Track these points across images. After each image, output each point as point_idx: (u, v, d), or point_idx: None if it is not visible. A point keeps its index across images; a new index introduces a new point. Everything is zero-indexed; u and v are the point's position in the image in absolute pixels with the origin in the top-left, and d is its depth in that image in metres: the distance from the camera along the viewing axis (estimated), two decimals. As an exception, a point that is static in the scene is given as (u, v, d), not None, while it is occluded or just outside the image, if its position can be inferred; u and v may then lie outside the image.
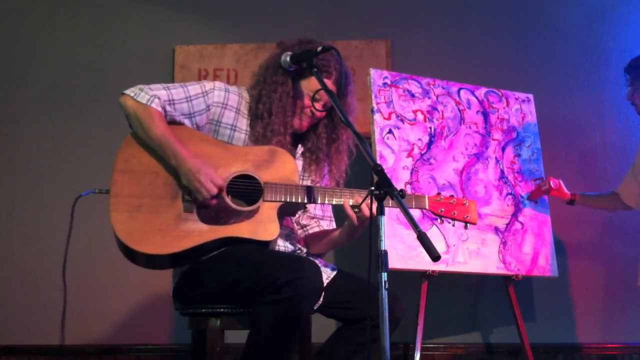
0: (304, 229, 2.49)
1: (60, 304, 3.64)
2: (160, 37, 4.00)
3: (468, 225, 2.36)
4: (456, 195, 3.25)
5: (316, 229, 2.49)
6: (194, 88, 2.28)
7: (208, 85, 2.31)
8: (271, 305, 2.04)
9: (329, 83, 2.27)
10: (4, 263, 3.81)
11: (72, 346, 3.63)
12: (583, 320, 3.68)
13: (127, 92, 2.22)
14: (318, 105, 2.33)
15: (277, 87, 2.31)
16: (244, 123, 2.33)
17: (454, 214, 2.33)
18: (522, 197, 3.38)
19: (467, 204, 2.34)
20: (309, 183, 2.41)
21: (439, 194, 2.35)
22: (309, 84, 2.31)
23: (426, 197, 2.32)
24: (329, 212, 2.55)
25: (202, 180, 2.12)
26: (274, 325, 2.05)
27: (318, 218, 2.51)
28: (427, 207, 2.32)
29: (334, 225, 2.54)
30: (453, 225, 2.39)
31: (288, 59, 2.25)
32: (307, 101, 2.33)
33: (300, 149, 2.43)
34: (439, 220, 2.36)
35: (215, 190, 2.13)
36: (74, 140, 3.90)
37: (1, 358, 3.69)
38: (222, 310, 2.21)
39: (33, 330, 3.71)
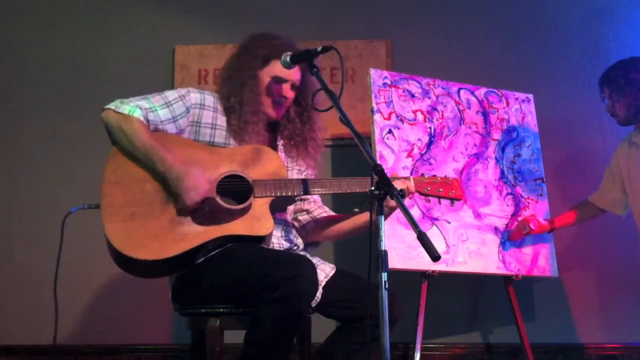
0: (310, 214, 2.52)
1: (61, 304, 3.66)
2: (160, 37, 3.99)
3: (454, 201, 2.40)
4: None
5: (324, 214, 2.52)
6: (171, 94, 2.33)
7: (183, 90, 2.36)
8: (270, 304, 2.05)
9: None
10: (4, 263, 3.81)
11: (72, 346, 3.64)
12: (583, 320, 3.68)
13: (108, 106, 2.26)
14: (286, 87, 2.37)
15: (245, 80, 2.35)
16: (223, 120, 2.36)
17: (440, 191, 2.36)
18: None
19: (449, 181, 2.37)
20: (295, 171, 2.46)
21: (422, 174, 2.38)
22: (272, 70, 2.36)
23: (411, 178, 2.35)
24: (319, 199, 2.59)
25: (186, 187, 2.14)
26: (273, 324, 2.06)
27: (311, 202, 2.55)
28: (413, 189, 2.34)
29: (325, 207, 2.57)
30: (439, 203, 2.42)
31: (288, 59, 2.26)
32: (275, 87, 2.37)
33: (280, 140, 2.47)
34: (426, 199, 2.39)
35: (197, 200, 2.15)
36: (74, 141, 3.90)
37: (1, 358, 3.69)
38: (221, 310, 2.22)
39: (33, 330, 3.70)
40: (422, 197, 2.41)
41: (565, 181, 3.76)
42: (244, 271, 2.13)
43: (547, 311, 3.69)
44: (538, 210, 3.43)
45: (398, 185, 2.23)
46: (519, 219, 3.33)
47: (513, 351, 3.58)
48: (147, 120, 2.25)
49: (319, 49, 2.21)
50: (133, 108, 2.22)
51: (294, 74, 2.37)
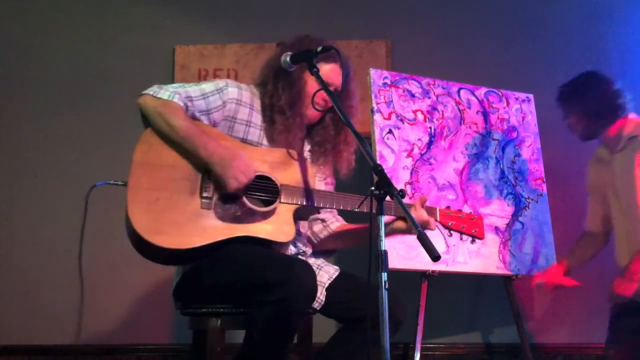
0: (324, 223, 2.51)
1: (60, 304, 3.66)
2: (160, 37, 3.99)
3: (475, 240, 2.42)
4: (456, 196, 3.27)
5: (337, 224, 2.51)
6: (208, 86, 2.29)
7: (221, 82, 2.32)
8: (263, 305, 2.05)
9: (335, 69, 2.32)
10: (4, 263, 3.81)
11: (72, 346, 3.63)
12: (583, 320, 3.68)
13: (146, 91, 2.22)
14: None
15: (293, 82, 2.32)
16: (258, 119, 2.33)
17: (463, 227, 2.40)
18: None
19: (474, 219, 2.42)
20: (318, 176, 2.42)
21: (448, 207, 2.41)
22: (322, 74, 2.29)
23: (437, 209, 2.37)
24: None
25: (236, 168, 2.12)
26: (266, 326, 2.06)
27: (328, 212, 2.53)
28: (438, 219, 2.37)
29: (339, 217, 2.55)
30: (461, 239, 2.44)
31: (288, 59, 2.25)
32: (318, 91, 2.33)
33: (307, 145, 2.44)
34: (448, 232, 2.41)
35: (244, 182, 2.13)
36: (73, 141, 3.90)
37: (1, 358, 3.69)
38: (222, 310, 2.21)
39: (33, 331, 3.70)
40: (444, 228, 2.44)
41: (565, 181, 3.76)
42: (239, 272, 2.13)
43: (547, 311, 3.68)
44: (538, 210, 3.43)
45: (423, 214, 2.26)
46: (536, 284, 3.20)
47: (513, 351, 3.57)
48: (186, 107, 2.22)
49: (319, 49, 2.20)
50: (172, 94, 2.20)
51: (337, 78, 2.34)
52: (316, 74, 2.17)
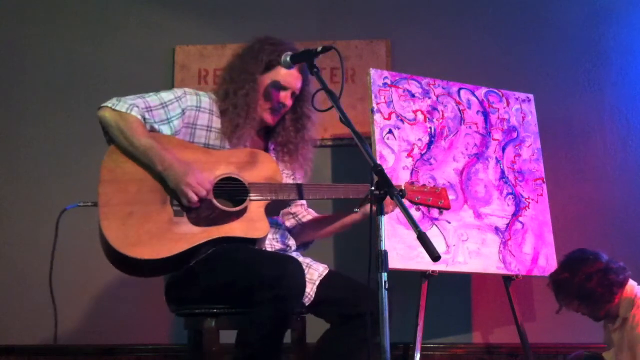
0: (296, 217, 2.55)
1: (60, 304, 3.65)
2: (160, 37, 3.99)
3: (442, 210, 2.44)
4: (456, 196, 3.27)
5: (308, 217, 2.55)
6: (167, 95, 2.33)
7: (179, 91, 2.36)
8: (258, 304, 2.07)
9: (293, 73, 2.37)
10: (2, 263, 3.81)
11: (71, 346, 3.63)
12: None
13: (105, 104, 2.26)
14: (285, 95, 2.38)
15: (243, 84, 2.36)
16: (218, 123, 2.37)
17: (429, 200, 2.39)
18: (522, 196, 3.39)
19: (438, 190, 2.41)
20: (285, 175, 2.47)
21: (412, 182, 2.41)
22: (274, 76, 2.37)
23: (402, 184, 2.38)
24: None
25: (190, 183, 2.14)
26: (266, 324, 2.08)
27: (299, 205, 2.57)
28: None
29: (310, 210, 2.60)
30: (428, 212, 2.46)
31: (288, 59, 2.26)
32: (274, 94, 2.38)
33: (271, 146, 2.48)
34: (414, 207, 2.42)
35: (203, 193, 2.16)
36: (73, 141, 3.89)
37: (1, 358, 3.69)
38: (217, 310, 2.23)
39: (33, 330, 3.70)
40: (412, 205, 2.45)
41: (565, 181, 3.76)
42: (232, 272, 2.16)
43: (547, 311, 3.68)
44: (538, 210, 3.43)
45: None
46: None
47: (513, 351, 3.57)
48: (144, 119, 2.25)
49: (319, 49, 2.21)
50: (130, 106, 2.23)
51: (295, 82, 2.39)
52: (316, 74, 2.18)
